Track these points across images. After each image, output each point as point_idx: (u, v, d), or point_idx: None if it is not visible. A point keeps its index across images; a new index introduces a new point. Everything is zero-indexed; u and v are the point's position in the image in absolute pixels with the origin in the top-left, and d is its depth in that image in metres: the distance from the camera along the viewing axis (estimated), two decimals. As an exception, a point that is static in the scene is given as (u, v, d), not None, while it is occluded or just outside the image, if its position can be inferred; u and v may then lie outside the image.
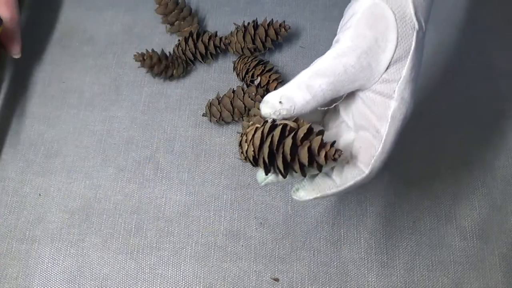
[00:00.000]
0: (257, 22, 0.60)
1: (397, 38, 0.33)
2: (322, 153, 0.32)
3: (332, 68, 0.34)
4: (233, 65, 0.61)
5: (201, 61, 0.60)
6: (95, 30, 0.65)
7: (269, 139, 0.32)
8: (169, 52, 0.61)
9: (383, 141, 0.34)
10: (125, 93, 0.60)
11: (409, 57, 0.34)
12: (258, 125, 0.34)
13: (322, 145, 0.32)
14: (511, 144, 0.58)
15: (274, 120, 0.34)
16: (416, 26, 0.34)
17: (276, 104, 0.33)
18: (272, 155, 0.33)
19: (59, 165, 0.55)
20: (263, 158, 0.33)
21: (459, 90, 0.62)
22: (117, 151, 0.56)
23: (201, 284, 0.49)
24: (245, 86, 0.59)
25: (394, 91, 0.34)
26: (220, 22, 0.65)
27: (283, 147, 0.32)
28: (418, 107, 0.59)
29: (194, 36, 0.60)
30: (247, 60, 0.58)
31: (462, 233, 0.52)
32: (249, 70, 0.57)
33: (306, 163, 0.32)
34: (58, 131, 0.58)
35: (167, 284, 0.49)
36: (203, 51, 0.59)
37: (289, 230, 0.52)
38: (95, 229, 0.52)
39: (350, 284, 0.50)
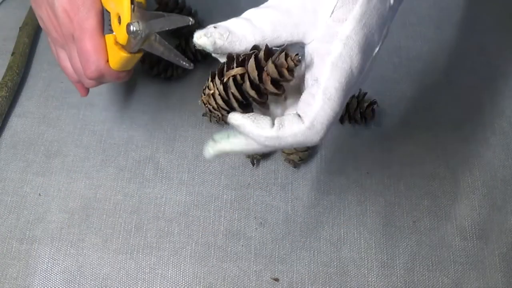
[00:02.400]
0: (257, 22, 0.60)
1: None
2: (289, 61, 0.30)
3: (276, 4, 0.33)
4: (233, 65, 0.60)
5: (201, 60, 0.60)
6: (95, 30, 0.65)
7: (231, 75, 0.31)
8: (169, 52, 0.61)
9: (321, 90, 0.31)
10: (125, 93, 0.60)
11: (356, 5, 0.31)
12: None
13: (287, 54, 0.31)
14: (511, 144, 0.58)
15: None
16: None
17: (210, 29, 0.33)
18: (239, 89, 0.31)
19: (59, 165, 0.55)
20: (233, 94, 0.31)
21: (459, 90, 0.62)
22: (117, 151, 0.56)
23: (201, 284, 0.49)
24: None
25: (339, 37, 0.31)
26: (220, 22, 0.65)
27: (248, 73, 0.31)
28: (417, 106, 0.60)
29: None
30: (247, 60, 0.58)
31: (462, 233, 0.52)
32: (249, 70, 0.57)
33: (278, 76, 0.30)
34: (58, 131, 0.58)
35: (167, 284, 0.49)
36: (203, 51, 0.59)
37: (289, 230, 0.52)
38: (95, 229, 0.52)
39: (350, 284, 0.50)
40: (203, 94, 0.34)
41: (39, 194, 0.54)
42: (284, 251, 0.51)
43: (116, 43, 0.41)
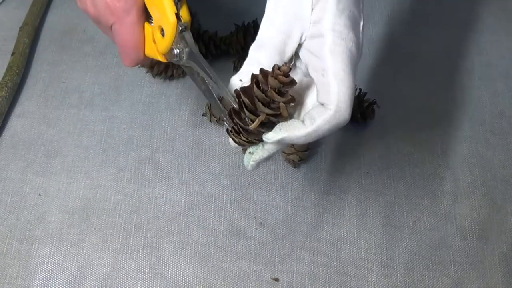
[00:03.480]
0: (257, 22, 0.60)
1: None
2: (283, 68, 0.34)
3: (267, 36, 0.37)
4: (233, 65, 0.61)
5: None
6: (95, 30, 0.65)
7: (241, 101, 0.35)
8: (169, 52, 0.61)
9: (331, 77, 0.34)
10: (125, 93, 0.60)
11: None
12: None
13: (278, 66, 0.34)
14: (511, 144, 0.58)
15: None
16: None
17: (237, 83, 0.38)
18: (252, 111, 0.35)
19: (59, 165, 0.55)
20: (247, 117, 0.35)
21: (459, 90, 0.62)
22: (117, 151, 0.56)
23: (201, 284, 0.49)
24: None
25: (325, 26, 0.35)
26: (220, 22, 0.65)
27: (257, 96, 0.35)
28: (417, 106, 0.60)
29: (194, 36, 0.59)
30: (247, 60, 0.58)
31: (462, 233, 0.52)
32: (249, 70, 0.57)
33: (280, 85, 0.34)
34: (58, 131, 0.58)
35: (167, 284, 0.49)
36: (203, 51, 0.59)
37: (289, 230, 0.52)
38: (95, 229, 0.52)
39: (350, 284, 0.50)
40: (233, 138, 0.37)
41: (39, 194, 0.54)
42: (284, 251, 0.51)
43: (155, 41, 0.40)
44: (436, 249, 0.51)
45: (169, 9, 0.37)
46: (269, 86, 0.34)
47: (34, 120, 0.58)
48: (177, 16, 0.38)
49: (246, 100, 0.35)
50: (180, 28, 0.38)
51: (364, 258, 0.51)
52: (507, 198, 0.54)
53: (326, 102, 0.35)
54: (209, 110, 0.56)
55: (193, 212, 0.53)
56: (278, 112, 0.35)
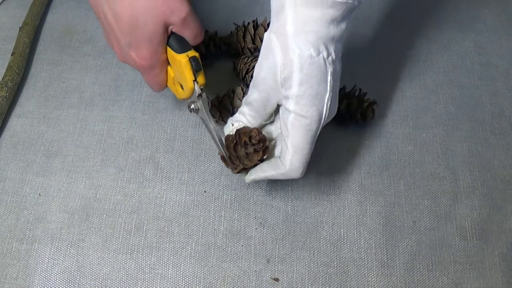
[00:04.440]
0: (257, 22, 0.60)
1: (282, 62, 0.41)
2: (253, 138, 0.45)
3: (252, 96, 0.45)
4: (233, 65, 0.61)
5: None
6: (95, 30, 0.65)
7: (231, 146, 0.47)
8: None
9: (289, 145, 0.42)
10: (125, 93, 0.60)
11: (293, 75, 0.41)
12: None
13: (250, 137, 0.45)
14: (511, 144, 0.58)
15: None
16: (297, 51, 0.40)
17: (230, 127, 0.48)
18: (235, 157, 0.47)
19: (59, 165, 0.55)
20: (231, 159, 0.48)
21: (459, 89, 0.62)
22: (117, 151, 0.56)
23: (201, 284, 0.49)
24: (244, 86, 0.59)
25: (289, 104, 0.42)
26: (220, 22, 0.65)
27: (239, 151, 0.47)
28: (417, 106, 0.60)
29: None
30: (247, 60, 0.58)
31: (462, 233, 0.52)
32: (249, 70, 0.57)
33: (252, 149, 0.45)
34: (58, 131, 0.58)
35: (167, 284, 0.49)
36: (203, 51, 0.59)
37: (289, 230, 0.52)
38: (95, 229, 0.52)
39: (350, 284, 0.50)
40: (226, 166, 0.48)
41: (39, 194, 0.54)
42: (284, 251, 0.51)
43: (175, 83, 0.49)
44: (436, 249, 0.51)
45: (189, 77, 0.45)
46: (245, 150, 0.45)
47: (34, 120, 0.58)
48: (195, 81, 0.46)
49: (232, 153, 0.46)
50: (198, 92, 0.46)
51: (364, 258, 0.51)
52: (507, 198, 0.54)
53: (282, 159, 0.43)
54: (209, 110, 0.56)
55: (193, 212, 0.53)
56: (253, 164, 0.46)
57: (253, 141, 0.45)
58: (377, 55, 0.64)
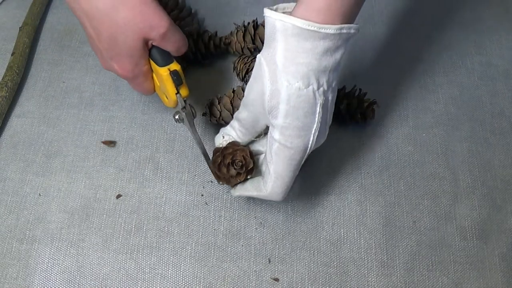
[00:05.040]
0: (257, 22, 0.60)
1: (270, 91, 0.41)
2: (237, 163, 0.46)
3: (242, 115, 0.46)
4: (233, 65, 0.61)
5: (201, 61, 0.60)
6: (95, 30, 0.65)
7: (217, 162, 0.48)
8: (169, 52, 0.61)
9: (272, 171, 0.43)
10: (125, 93, 0.60)
11: (280, 106, 0.40)
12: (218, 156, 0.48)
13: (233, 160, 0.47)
14: (511, 144, 0.58)
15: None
16: (285, 83, 0.40)
17: (220, 139, 0.49)
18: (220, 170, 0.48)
19: (59, 165, 0.55)
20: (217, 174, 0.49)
21: (459, 90, 0.62)
22: (117, 151, 0.56)
23: (201, 284, 0.49)
24: (245, 86, 0.59)
25: (275, 133, 0.42)
26: (220, 22, 0.65)
27: (224, 166, 0.47)
28: (417, 106, 0.60)
29: (194, 36, 0.60)
30: (247, 60, 0.58)
31: (462, 233, 0.52)
32: (249, 70, 0.57)
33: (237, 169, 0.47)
34: (58, 131, 0.58)
35: (167, 284, 0.49)
36: (203, 51, 0.59)
37: (289, 230, 0.52)
38: (95, 229, 0.52)
39: (350, 284, 0.50)
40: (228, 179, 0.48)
41: (39, 194, 0.54)
42: (284, 251, 0.51)
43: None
44: (436, 249, 0.51)
45: (171, 90, 0.46)
46: (228, 171, 0.47)
47: (34, 120, 0.58)
48: (177, 93, 0.46)
49: (217, 170, 0.48)
50: (181, 105, 0.47)
51: (364, 258, 0.51)
52: (507, 198, 0.54)
53: (264, 185, 0.44)
54: (209, 110, 0.56)
55: (193, 212, 0.53)
56: (238, 182, 0.47)
57: (235, 166, 0.46)
58: (378, 55, 0.64)
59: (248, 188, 0.47)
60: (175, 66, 0.45)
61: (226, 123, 0.57)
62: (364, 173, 0.55)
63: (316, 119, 0.41)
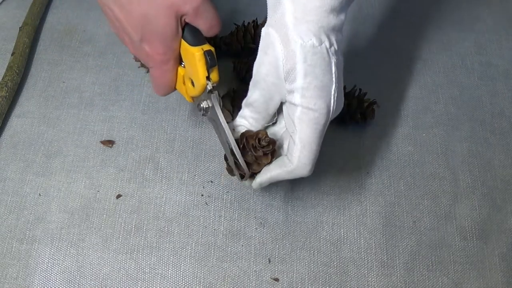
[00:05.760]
0: (257, 22, 0.60)
1: (284, 55, 0.39)
2: (262, 141, 0.43)
3: (253, 97, 0.44)
4: (233, 65, 0.61)
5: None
6: (95, 30, 0.65)
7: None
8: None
9: (297, 140, 0.41)
10: (125, 93, 0.60)
11: (297, 67, 0.39)
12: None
13: (259, 139, 0.43)
14: (511, 144, 0.58)
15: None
16: (299, 41, 0.39)
17: (236, 124, 0.46)
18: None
19: (59, 165, 0.55)
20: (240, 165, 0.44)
21: (459, 89, 0.62)
22: (117, 151, 0.56)
23: (201, 284, 0.49)
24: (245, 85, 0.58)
25: (295, 98, 0.40)
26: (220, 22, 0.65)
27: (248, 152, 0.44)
28: (417, 106, 0.60)
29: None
30: (247, 60, 0.58)
31: (462, 233, 0.52)
32: (249, 69, 0.57)
33: (261, 150, 0.43)
34: (58, 131, 0.58)
35: (167, 284, 0.49)
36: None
37: (289, 230, 0.52)
38: (95, 229, 0.52)
39: (350, 284, 0.50)
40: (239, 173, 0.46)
41: (39, 194, 0.54)
42: (284, 251, 0.51)
43: (185, 83, 0.45)
44: (436, 249, 0.51)
45: (201, 73, 0.42)
46: (254, 154, 0.43)
47: (34, 120, 0.58)
48: (208, 78, 0.42)
49: (236, 163, 0.44)
50: (209, 88, 0.43)
51: (364, 258, 0.51)
52: (507, 198, 0.54)
53: (290, 157, 0.42)
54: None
55: (193, 212, 0.53)
56: (261, 168, 0.44)
57: (263, 143, 0.43)
58: (378, 55, 0.64)
59: (271, 168, 0.44)
60: (208, 47, 0.42)
61: (227, 124, 0.57)
62: (364, 173, 0.55)
63: (334, 78, 0.40)
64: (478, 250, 0.52)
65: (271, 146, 0.43)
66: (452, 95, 0.61)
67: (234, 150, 0.44)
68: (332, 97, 0.40)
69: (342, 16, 0.40)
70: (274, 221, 0.52)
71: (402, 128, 0.58)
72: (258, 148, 0.43)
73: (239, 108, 0.55)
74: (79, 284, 0.49)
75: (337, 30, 0.41)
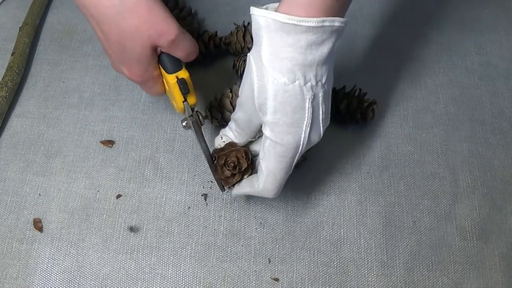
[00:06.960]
0: (257, 22, 0.60)
1: (257, 88, 0.41)
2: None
3: (238, 115, 0.46)
4: (233, 64, 0.61)
5: (201, 61, 0.60)
6: (95, 30, 0.65)
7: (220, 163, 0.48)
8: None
9: (263, 167, 0.43)
10: (125, 93, 0.60)
11: (268, 103, 0.40)
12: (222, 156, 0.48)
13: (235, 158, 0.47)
14: (511, 144, 0.58)
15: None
16: (271, 78, 0.39)
17: (219, 140, 0.48)
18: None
19: (59, 165, 0.55)
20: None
21: (459, 89, 0.62)
22: (117, 151, 0.56)
23: (201, 284, 0.49)
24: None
25: (265, 129, 0.42)
26: (220, 22, 0.65)
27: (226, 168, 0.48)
28: (417, 106, 0.60)
29: (194, 36, 0.60)
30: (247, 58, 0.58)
31: (462, 233, 0.52)
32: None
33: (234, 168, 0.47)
34: (58, 131, 0.58)
35: (167, 284, 0.49)
36: (203, 50, 0.59)
37: (289, 230, 0.52)
38: (95, 229, 0.52)
39: (350, 284, 0.50)
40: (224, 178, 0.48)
41: (39, 194, 0.54)
42: (284, 251, 0.51)
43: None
44: (436, 249, 0.51)
45: (178, 97, 0.46)
46: (223, 173, 0.47)
47: (34, 120, 0.58)
48: (185, 101, 0.46)
49: (216, 177, 0.49)
50: (188, 113, 0.47)
51: (364, 258, 0.51)
52: (507, 198, 0.54)
53: (259, 178, 0.44)
54: (210, 112, 0.56)
55: (193, 212, 0.53)
56: (237, 181, 0.48)
57: (228, 167, 0.46)
58: (377, 55, 0.64)
59: (243, 185, 0.47)
60: (183, 73, 0.45)
61: (227, 123, 0.57)
62: (364, 173, 0.55)
63: (306, 115, 0.41)
64: (478, 250, 0.52)
65: (237, 169, 0.46)
66: (452, 95, 0.61)
67: (209, 167, 0.49)
68: (303, 132, 0.41)
69: (324, 49, 0.39)
70: (274, 221, 0.52)
71: (402, 128, 0.58)
72: (225, 168, 0.47)
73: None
74: (79, 284, 0.49)
75: (317, 64, 0.40)
